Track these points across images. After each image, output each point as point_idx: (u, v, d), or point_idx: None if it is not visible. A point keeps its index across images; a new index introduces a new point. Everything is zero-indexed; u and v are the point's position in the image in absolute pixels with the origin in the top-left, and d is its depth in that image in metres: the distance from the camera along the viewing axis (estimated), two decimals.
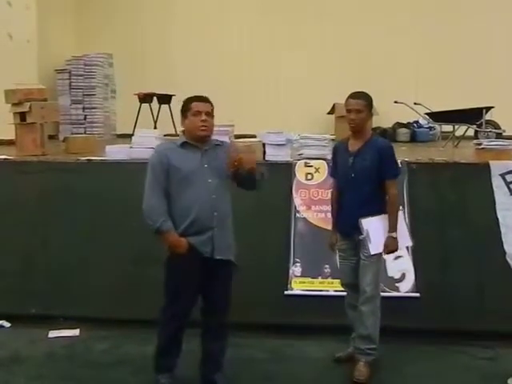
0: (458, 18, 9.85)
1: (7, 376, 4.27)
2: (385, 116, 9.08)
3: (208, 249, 3.76)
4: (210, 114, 3.82)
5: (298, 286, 5.16)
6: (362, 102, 4.12)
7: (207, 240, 3.75)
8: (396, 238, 4.10)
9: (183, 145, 3.82)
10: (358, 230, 4.09)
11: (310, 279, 5.12)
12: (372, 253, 4.08)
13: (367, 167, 4.09)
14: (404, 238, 4.23)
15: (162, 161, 3.77)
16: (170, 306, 3.85)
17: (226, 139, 5.54)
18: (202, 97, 3.90)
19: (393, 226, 4.11)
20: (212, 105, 3.86)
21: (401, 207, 4.66)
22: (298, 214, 5.34)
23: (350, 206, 4.15)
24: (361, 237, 4.09)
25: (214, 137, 3.98)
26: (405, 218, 4.95)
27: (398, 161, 4.43)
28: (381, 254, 4.14)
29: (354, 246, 4.20)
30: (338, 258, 4.40)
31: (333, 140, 5.66)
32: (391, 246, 4.12)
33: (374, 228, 4.09)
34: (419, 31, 9.80)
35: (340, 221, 4.31)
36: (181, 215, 3.74)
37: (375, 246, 4.08)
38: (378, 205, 4.13)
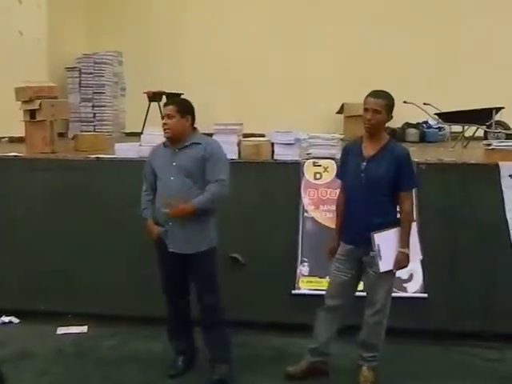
0: (468, 18, 9.79)
1: (16, 371, 4.26)
2: (394, 116, 9.00)
3: (168, 241, 4.02)
4: (170, 116, 3.98)
5: (306, 285, 5.16)
6: (382, 101, 3.82)
7: (165, 233, 4.03)
8: (408, 255, 3.90)
9: (165, 144, 4.12)
10: (367, 240, 3.85)
11: (317, 279, 5.12)
12: (382, 270, 3.86)
13: (382, 175, 3.83)
14: (415, 253, 4.03)
15: (149, 158, 4.23)
16: (163, 292, 4.19)
17: (233, 138, 5.60)
18: (169, 100, 4.36)
19: (405, 242, 3.89)
20: (177, 105, 4.03)
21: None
22: (306, 214, 5.34)
23: (362, 215, 3.87)
24: (371, 253, 3.87)
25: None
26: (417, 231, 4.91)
27: None
28: (392, 270, 3.92)
29: (355, 258, 3.97)
30: (332, 268, 4.12)
31: (341, 140, 5.65)
32: (402, 263, 3.91)
33: (386, 243, 3.86)
34: (429, 31, 9.74)
35: (348, 228, 4.03)
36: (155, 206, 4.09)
37: (386, 262, 3.87)
38: (392, 216, 3.93)
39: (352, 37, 9.93)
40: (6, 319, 5.27)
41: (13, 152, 6.16)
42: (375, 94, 3.88)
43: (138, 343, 4.78)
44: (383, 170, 3.84)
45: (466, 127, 8.11)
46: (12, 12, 8.50)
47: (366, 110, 3.86)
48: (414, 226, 4.06)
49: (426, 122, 9.58)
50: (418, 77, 9.54)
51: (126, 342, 4.82)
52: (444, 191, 5.27)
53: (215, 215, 4.11)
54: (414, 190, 4.85)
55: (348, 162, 4.05)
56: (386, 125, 4.04)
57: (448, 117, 8.20)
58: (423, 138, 9.50)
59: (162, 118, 4.06)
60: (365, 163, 3.90)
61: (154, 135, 5.76)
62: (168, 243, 4.02)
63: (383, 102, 3.84)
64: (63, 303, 5.32)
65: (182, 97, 9.15)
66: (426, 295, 4.98)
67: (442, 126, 9.13)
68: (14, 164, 5.92)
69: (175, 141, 4.03)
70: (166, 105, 4.15)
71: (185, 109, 4.03)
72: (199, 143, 4.02)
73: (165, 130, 4.02)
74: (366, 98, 3.89)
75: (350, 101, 9.17)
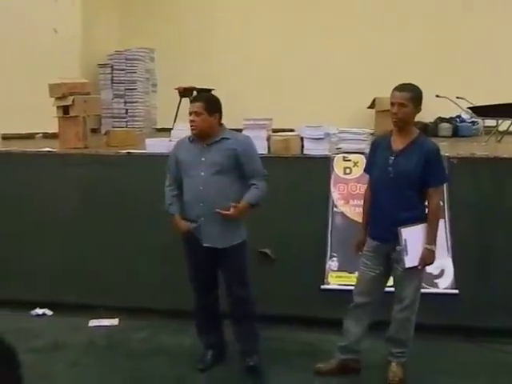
0: (500, 9, 9.61)
1: (48, 362, 4.39)
2: (426, 110, 8.86)
3: (200, 236, 4.02)
4: (198, 113, 3.94)
5: (335, 280, 5.14)
6: (407, 94, 3.76)
7: (197, 228, 4.02)
8: (434, 251, 3.84)
9: (191, 139, 4.09)
10: (394, 235, 3.81)
11: (346, 274, 5.10)
12: (407, 266, 3.82)
13: (411, 170, 3.78)
14: (442, 250, 4.00)
15: (174, 152, 4.20)
16: (192, 286, 4.23)
17: (263, 133, 5.61)
18: (196, 96, 4.34)
19: (432, 238, 3.83)
20: (204, 102, 3.98)
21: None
22: (335, 209, 5.32)
23: (389, 210, 3.83)
24: (398, 248, 3.84)
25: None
26: (445, 226, 4.87)
27: None
28: (417, 266, 3.85)
29: (383, 253, 3.94)
30: (360, 264, 4.10)
31: (372, 134, 5.61)
32: (428, 260, 3.85)
33: (412, 239, 3.81)
34: (461, 23, 9.60)
35: (374, 223, 4.00)
36: (183, 202, 4.10)
37: (412, 258, 3.82)
38: (419, 211, 3.86)
39: (384, 31, 9.83)
40: (39, 311, 5.38)
41: (47, 147, 6.26)
42: (400, 87, 3.83)
43: (167, 336, 4.83)
44: (412, 165, 3.80)
45: (500, 121, 7.96)
46: (47, 10, 8.62)
47: (392, 104, 3.82)
48: (442, 223, 4.02)
49: (459, 117, 9.42)
50: (451, 70, 9.39)
51: (156, 335, 4.88)
52: (476, 186, 5.19)
53: None
54: (444, 186, 4.84)
55: (376, 156, 4.01)
56: (418, 119, 3.97)
57: (482, 111, 8.05)
58: (456, 133, 9.34)
59: (190, 114, 4.00)
60: (393, 157, 3.86)
61: (184, 130, 5.79)
62: (201, 238, 4.02)
63: (409, 94, 3.78)
64: (95, 296, 5.40)
65: (212, 92, 9.29)
66: (456, 291, 4.92)
67: (475, 120, 8.97)
68: (48, 159, 6.02)
69: (203, 137, 4.01)
70: (192, 101, 4.08)
71: (213, 106, 3.99)
72: (228, 138, 4.01)
73: (192, 127, 3.99)
74: (392, 91, 3.84)
75: (382, 95, 9.08)
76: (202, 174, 3.97)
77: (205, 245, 4.02)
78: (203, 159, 3.98)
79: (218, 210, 3.91)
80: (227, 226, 3.99)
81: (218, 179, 3.94)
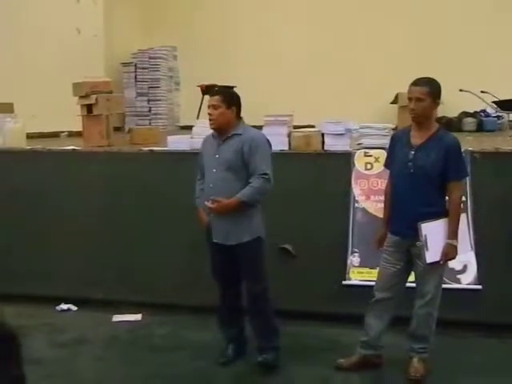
0: None
1: (73, 356, 4.46)
2: (450, 105, 8.81)
3: (212, 232, 4.08)
4: (216, 106, 3.96)
5: (357, 276, 5.13)
6: (425, 89, 3.74)
7: (210, 223, 4.08)
8: (456, 246, 3.81)
9: (214, 135, 4.13)
10: (414, 231, 3.78)
11: (368, 269, 5.07)
12: (428, 261, 3.79)
13: (430, 164, 3.75)
14: (465, 245, 3.95)
15: (201, 148, 4.29)
16: (214, 280, 4.27)
17: (283, 130, 5.61)
18: (214, 90, 4.30)
19: (453, 233, 3.79)
20: (222, 95, 4.00)
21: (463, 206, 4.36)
22: (356, 204, 5.30)
23: (409, 205, 3.81)
24: (418, 243, 3.81)
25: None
26: (468, 222, 4.82)
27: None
28: (439, 261, 3.84)
29: (403, 249, 3.92)
30: (381, 260, 4.07)
31: (393, 129, 5.57)
32: (450, 255, 3.82)
33: (433, 234, 3.77)
34: (486, 17, 9.49)
35: (395, 219, 3.98)
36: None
37: (433, 253, 3.79)
38: (440, 206, 3.83)
39: (406, 26, 9.77)
40: (64, 307, 5.46)
41: (71, 145, 6.35)
42: (417, 81, 3.82)
43: (189, 332, 4.86)
44: (432, 160, 3.77)
45: None
46: (69, 10, 8.75)
47: (409, 99, 3.81)
48: (464, 218, 3.98)
49: (483, 111, 9.32)
50: (474, 64, 9.28)
51: (178, 331, 4.92)
52: (500, 180, 5.11)
53: (258, 206, 4.07)
54: (467, 180, 4.80)
55: (396, 151, 4.00)
56: (442, 114, 3.94)
57: (506, 105, 7.98)
58: (481, 127, 9.23)
59: (208, 107, 4.03)
60: (413, 152, 3.84)
61: (205, 127, 5.83)
62: (212, 234, 4.08)
63: (425, 89, 3.76)
64: (119, 292, 5.47)
65: (234, 89, 9.31)
66: (480, 287, 4.87)
67: (500, 114, 8.87)
68: (72, 157, 6.11)
69: (221, 132, 4.02)
70: (211, 95, 4.10)
71: (230, 99, 4.00)
72: (240, 134, 3.99)
73: (210, 121, 4.00)
74: (409, 86, 3.83)
75: (405, 90, 9.01)
76: (214, 170, 4.01)
77: (214, 240, 4.07)
78: (217, 156, 4.01)
79: (206, 203, 3.96)
80: (236, 224, 3.99)
81: (226, 177, 3.96)
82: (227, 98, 4.01)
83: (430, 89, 3.77)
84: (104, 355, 4.50)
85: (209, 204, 3.95)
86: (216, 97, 4.00)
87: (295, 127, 5.94)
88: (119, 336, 4.85)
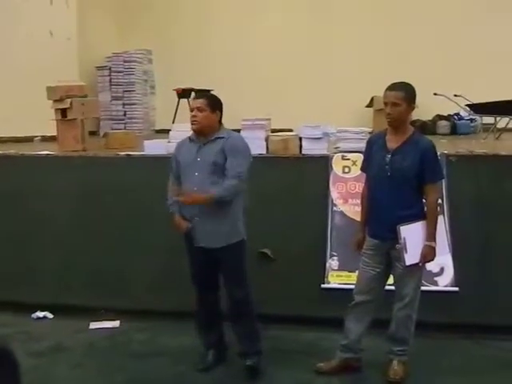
0: (500, 8, 9.62)
1: (51, 365, 4.40)
2: (424, 108, 8.91)
3: (195, 236, 4.03)
4: (201, 109, 3.97)
5: (335, 279, 5.14)
6: (400, 94, 3.77)
7: (192, 228, 4.03)
8: (434, 248, 3.85)
9: (191, 139, 4.10)
10: (394, 233, 3.81)
11: (346, 273, 5.10)
12: (407, 263, 3.81)
13: (407, 167, 3.79)
14: (442, 247, 3.98)
15: (174, 152, 4.22)
16: (193, 286, 4.22)
17: (261, 133, 5.61)
18: (198, 94, 4.31)
19: (431, 235, 3.84)
20: (208, 99, 4.03)
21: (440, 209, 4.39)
22: (335, 208, 5.32)
23: (388, 208, 3.84)
24: (397, 246, 3.82)
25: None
26: (445, 224, 4.88)
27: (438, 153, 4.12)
28: (418, 264, 3.87)
29: (383, 252, 3.94)
30: (360, 263, 4.08)
31: (370, 133, 5.61)
32: (429, 256, 3.86)
33: (412, 236, 3.81)
34: (460, 21, 9.62)
35: (373, 222, 4.00)
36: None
37: (412, 255, 3.82)
38: (418, 209, 3.88)
39: (380, 29, 9.87)
40: (40, 314, 5.37)
41: (45, 150, 6.27)
42: (392, 86, 3.85)
43: (168, 337, 4.82)
44: (408, 163, 3.81)
45: (498, 118, 7.98)
46: (42, 12, 8.64)
47: (385, 103, 3.85)
48: (442, 220, 4.02)
49: (457, 114, 9.46)
50: (448, 68, 9.41)
51: (156, 337, 4.88)
52: (475, 183, 5.19)
53: (241, 208, 4.08)
54: (443, 183, 4.86)
55: (372, 154, 4.02)
56: (417, 117, 3.99)
57: (480, 108, 8.08)
58: (454, 130, 9.37)
59: (191, 110, 4.03)
60: (389, 156, 3.87)
61: (183, 131, 5.81)
62: (195, 238, 4.05)
63: (401, 94, 3.80)
64: (96, 298, 5.40)
65: (211, 93, 9.30)
66: (457, 289, 4.92)
67: (473, 117, 9.00)
68: (47, 162, 6.03)
69: (202, 135, 4.02)
70: (195, 98, 4.15)
71: (215, 103, 4.03)
72: (222, 137, 4.01)
73: (193, 122, 3.99)
74: (385, 91, 3.87)
75: (380, 94, 9.08)
76: (197, 174, 3.98)
77: (198, 245, 4.04)
78: (198, 159, 4.00)
79: (178, 198, 3.95)
80: (220, 226, 3.98)
81: (211, 179, 3.94)
82: (212, 101, 4.04)
83: (405, 93, 3.81)
84: (82, 363, 4.44)
85: (180, 198, 3.92)
86: (201, 99, 4.02)
87: (272, 131, 5.95)
88: (97, 343, 4.79)
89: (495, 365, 4.32)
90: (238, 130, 5.32)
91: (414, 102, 3.88)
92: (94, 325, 5.16)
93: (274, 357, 4.38)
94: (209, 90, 9.45)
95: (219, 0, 10.72)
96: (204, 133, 4.02)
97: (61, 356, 4.56)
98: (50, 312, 5.40)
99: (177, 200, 4.11)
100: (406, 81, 3.93)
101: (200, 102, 4.00)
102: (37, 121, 7.34)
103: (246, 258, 4.14)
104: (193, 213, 4.01)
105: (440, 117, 9.56)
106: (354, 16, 10.04)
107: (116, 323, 5.19)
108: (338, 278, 5.14)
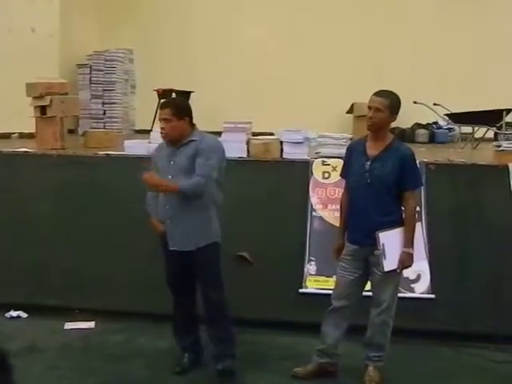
0: (479, 19, 9.74)
1: (24, 365, 4.28)
2: (404, 116, 8.94)
3: (168, 239, 4.03)
4: (167, 120, 3.93)
5: (313, 284, 5.16)
6: (385, 101, 3.82)
7: (166, 231, 4.03)
8: (412, 254, 3.90)
9: (166, 143, 4.08)
10: (373, 240, 3.84)
11: (324, 278, 5.11)
12: (386, 269, 3.84)
13: (387, 174, 3.83)
14: (419, 253, 4.05)
15: (153, 154, 4.26)
16: (168, 288, 4.22)
17: (242, 137, 5.61)
18: (164, 102, 4.23)
19: (409, 241, 3.88)
20: (173, 108, 3.96)
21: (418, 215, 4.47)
22: (314, 213, 5.34)
23: (367, 214, 3.87)
24: (376, 252, 3.86)
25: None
26: (422, 231, 4.93)
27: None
28: (396, 270, 3.90)
29: (361, 257, 3.96)
30: (338, 268, 4.10)
31: (350, 139, 5.64)
32: (406, 262, 3.89)
33: (391, 242, 3.85)
34: (439, 31, 9.71)
35: (353, 228, 4.02)
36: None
37: (390, 262, 3.85)
38: (397, 215, 3.92)
39: (363, 36, 9.92)
40: (14, 314, 5.29)
41: (23, 148, 6.19)
42: (380, 93, 3.90)
43: (144, 339, 4.79)
44: (388, 170, 3.85)
45: (476, 128, 8.08)
46: (24, 8, 8.54)
47: (369, 107, 3.88)
48: (420, 227, 4.06)
49: (435, 123, 9.55)
50: (428, 77, 9.51)
51: (132, 338, 4.84)
52: (453, 192, 5.25)
53: (214, 210, 4.05)
54: (421, 191, 4.91)
55: (352, 161, 4.06)
56: (396, 125, 4.03)
57: (458, 118, 8.18)
58: (433, 139, 9.47)
59: (159, 120, 4.01)
60: (369, 163, 3.90)
61: None
62: (168, 241, 4.03)
63: (386, 101, 3.83)
64: (71, 299, 5.34)
65: (192, 95, 9.28)
66: (433, 296, 4.97)
67: (451, 126, 9.10)
68: (24, 160, 5.96)
69: (174, 142, 4.00)
70: (161, 108, 4.06)
71: (181, 111, 3.97)
72: (195, 140, 3.98)
73: (162, 134, 3.98)
74: (371, 96, 3.91)
75: (361, 101, 9.15)
76: (170, 177, 3.96)
77: (170, 248, 4.03)
78: (172, 163, 4.00)
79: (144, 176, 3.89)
80: (192, 228, 3.96)
81: None
82: (178, 110, 3.96)
83: (390, 102, 3.85)
84: (57, 364, 4.37)
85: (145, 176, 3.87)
86: (166, 110, 3.95)
87: (254, 134, 5.96)
88: (72, 344, 4.73)
89: (470, 371, 4.38)
90: (219, 133, 5.32)
91: (397, 113, 3.92)
92: (68, 325, 5.10)
93: (250, 361, 4.38)
94: (189, 92, 9.46)
95: (202, 1, 10.68)
96: (175, 141, 4.00)
97: (35, 357, 4.49)
98: (24, 311, 5.32)
99: (154, 202, 4.11)
100: (387, 88, 3.97)
101: (165, 113, 3.94)
102: (14, 117, 7.26)
103: (220, 260, 4.12)
104: (165, 215, 4.00)
105: (419, 125, 9.65)
106: (335, 22, 10.08)
107: (91, 324, 5.13)
108: (315, 283, 5.15)
